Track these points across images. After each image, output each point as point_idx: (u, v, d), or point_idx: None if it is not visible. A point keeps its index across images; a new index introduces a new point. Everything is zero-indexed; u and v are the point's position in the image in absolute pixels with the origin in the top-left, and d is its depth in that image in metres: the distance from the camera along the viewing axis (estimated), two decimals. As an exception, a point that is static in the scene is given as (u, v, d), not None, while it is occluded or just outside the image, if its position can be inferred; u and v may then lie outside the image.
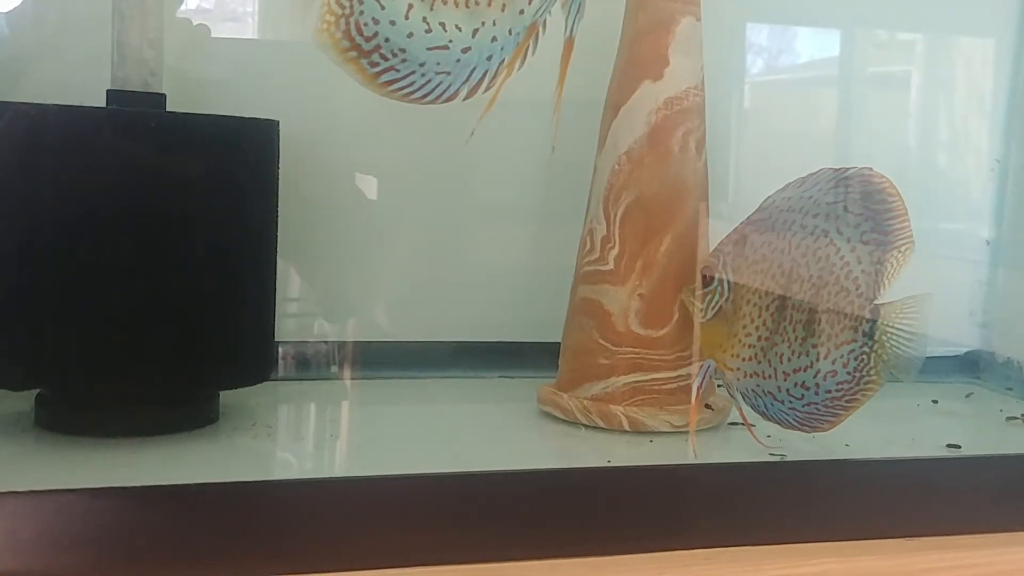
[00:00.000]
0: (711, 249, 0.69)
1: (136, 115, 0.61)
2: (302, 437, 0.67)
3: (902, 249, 0.63)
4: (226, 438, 0.64)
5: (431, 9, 0.53)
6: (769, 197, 0.66)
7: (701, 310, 0.67)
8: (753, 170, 0.87)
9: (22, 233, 0.59)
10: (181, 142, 0.60)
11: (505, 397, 0.79)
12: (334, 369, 0.80)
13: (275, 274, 0.67)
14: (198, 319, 0.62)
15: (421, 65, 0.54)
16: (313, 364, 0.79)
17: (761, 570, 0.53)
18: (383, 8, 0.52)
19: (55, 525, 0.46)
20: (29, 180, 0.58)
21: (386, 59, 0.53)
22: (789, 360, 0.64)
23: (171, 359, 0.61)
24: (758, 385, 0.65)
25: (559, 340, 0.74)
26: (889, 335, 0.64)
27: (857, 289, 0.64)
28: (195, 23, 0.74)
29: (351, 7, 0.52)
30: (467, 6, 0.54)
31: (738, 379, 0.66)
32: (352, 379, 0.80)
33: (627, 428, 0.69)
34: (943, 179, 0.94)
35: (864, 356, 0.64)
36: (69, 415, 0.62)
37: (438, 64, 0.54)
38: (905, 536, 0.57)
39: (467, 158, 0.80)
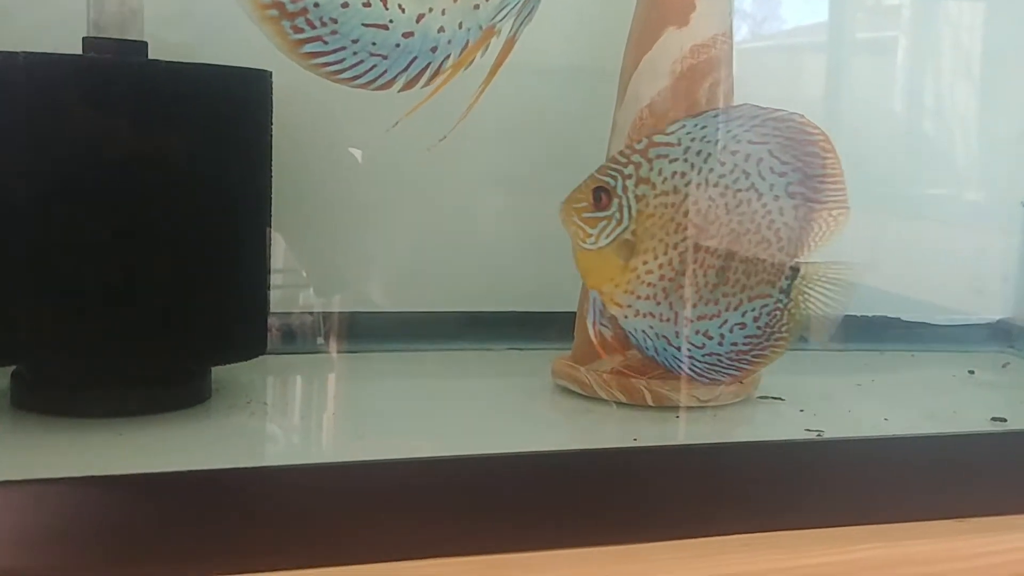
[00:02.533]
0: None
1: (115, 64, 0.56)
2: (302, 415, 0.62)
3: (834, 213, 0.60)
4: (221, 418, 0.59)
5: None
6: (679, 120, 0.60)
7: (591, 235, 0.61)
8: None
9: (-8, 196, 0.54)
10: (166, 94, 0.55)
11: (517, 371, 0.75)
12: (331, 342, 0.75)
13: (270, 240, 0.62)
14: (188, 289, 0.57)
15: (354, 42, 0.48)
16: (308, 337, 0.74)
17: (803, 557, 0.50)
18: None
19: (35, 518, 0.41)
20: (-2, 137, 0.53)
21: (313, 27, 0.47)
22: (694, 306, 0.61)
23: (159, 333, 0.56)
24: (651, 327, 0.61)
25: (573, 310, 0.70)
26: (807, 296, 0.61)
27: (779, 242, 0.60)
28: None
29: None
30: None
31: (626, 316, 0.61)
32: (351, 352, 0.75)
33: (651, 403, 0.64)
34: (969, 145, 0.90)
35: (777, 313, 0.60)
36: (49, 395, 0.57)
37: (373, 44, 0.48)
38: (953, 517, 0.53)
39: (478, 122, 0.75)
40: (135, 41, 0.59)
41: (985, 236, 0.89)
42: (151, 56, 0.59)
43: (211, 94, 0.57)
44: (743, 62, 0.83)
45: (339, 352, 0.75)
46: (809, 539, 0.50)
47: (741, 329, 0.61)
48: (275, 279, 0.71)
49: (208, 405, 0.60)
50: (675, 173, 0.60)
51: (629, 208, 0.60)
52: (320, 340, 0.74)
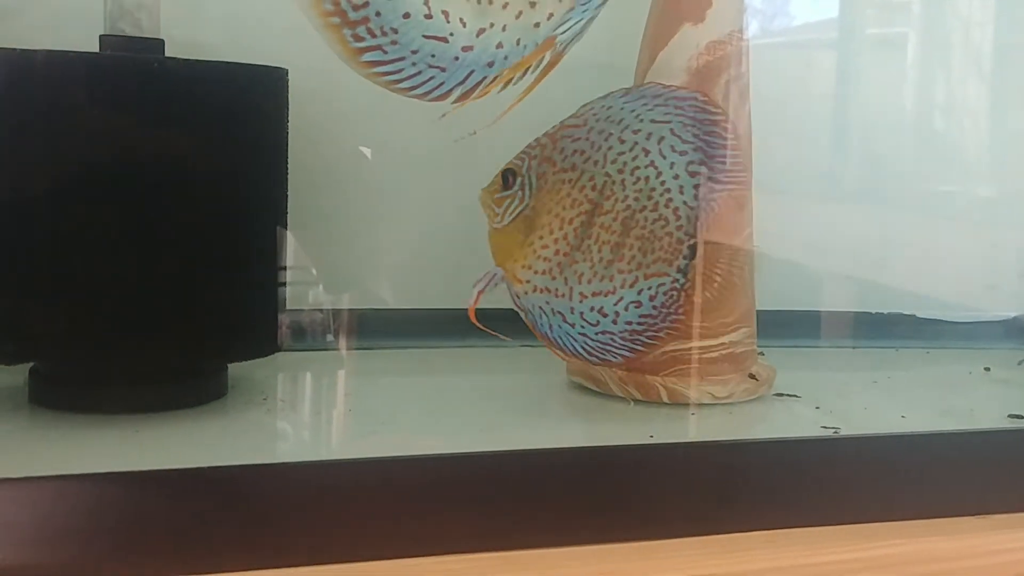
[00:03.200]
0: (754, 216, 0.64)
1: (133, 61, 0.56)
2: (317, 412, 0.62)
3: (735, 193, 0.60)
4: (236, 414, 0.59)
5: None
6: (588, 103, 0.60)
7: (498, 214, 0.61)
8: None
9: (10, 192, 0.54)
10: (183, 92, 0.55)
11: (530, 367, 0.74)
12: (342, 339, 0.75)
13: (286, 237, 0.62)
14: (205, 285, 0.57)
15: (413, 52, 0.48)
16: (318, 334, 0.74)
17: (824, 554, 0.49)
18: None
19: (54, 515, 0.41)
20: (16, 135, 0.53)
21: (373, 35, 0.47)
22: (589, 282, 0.60)
23: (176, 329, 0.56)
24: (547, 302, 0.61)
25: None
26: (705, 277, 0.60)
27: (677, 221, 0.59)
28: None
29: None
30: (477, 1, 0.48)
31: (526, 292, 0.61)
32: (363, 349, 0.75)
33: (666, 400, 0.64)
34: (981, 141, 0.90)
35: (674, 293, 0.60)
36: (67, 391, 0.57)
37: (432, 56, 0.48)
38: (974, 514, 0.53)
39: (491, 119, 0.75)
40: (151, 39, 0.59)
41: (1000, 232, 0.88)
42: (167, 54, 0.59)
43: (228, 92, 0.57)
44: (754, 59, 0.83)
45: (350, 349, 0.75)
46: (830, 535, 0.50)
47: (636, 308, 0.60)
48: (285, 276, 0.71)
49: (224, 402, 0.61)
50: (575, 151, 0.60)
51: (530, 185, 0.60)
52: (330, 337, 0.74)
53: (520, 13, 0.49)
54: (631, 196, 0.59)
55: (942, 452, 0.58)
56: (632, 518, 0.50)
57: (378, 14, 0.47)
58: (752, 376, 0.66)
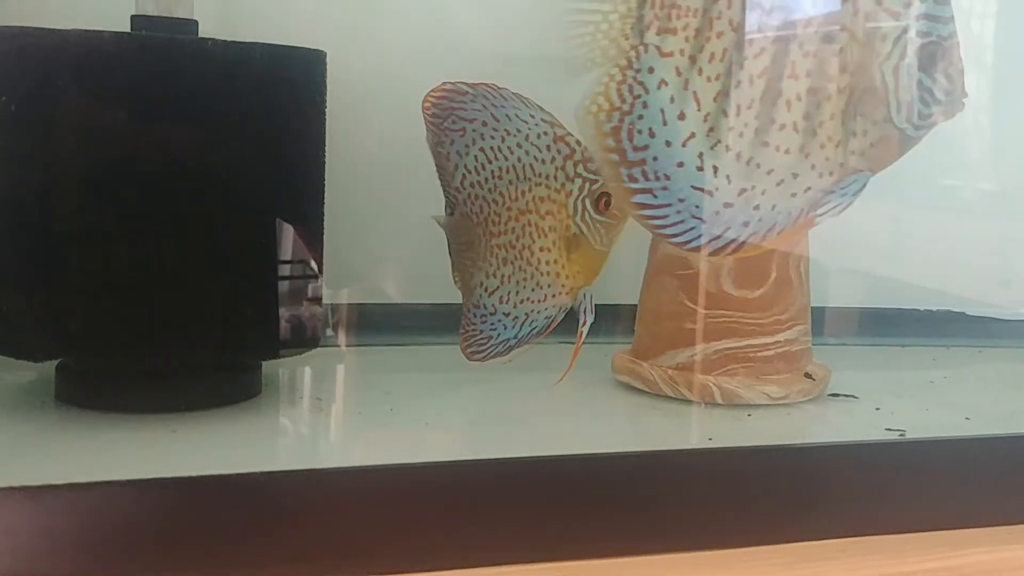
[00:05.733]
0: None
1: (167, 42, 0.53)
2: (358, 411, 0.60)
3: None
4: (273, 414, 0.56)
5: (711, 148, 0.49)
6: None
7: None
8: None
9: (39, 181, 0.51)
10: (221, 73, 0.52)
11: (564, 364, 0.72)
12: (381, 334, 0.72)
13: (323, 228, 0.59)
14: (241, 279, 0.54)
15: (680, 200, 0.50)
16: (358, 329, 0.71)
17: (904, 563, 0.47)
18: (665, 124, 0.49)
19: (96, 522, 0.38)
20: (48, 119, 0.50)
21: (647, 179, 0.50)
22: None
23: (210, 325, 0.53)
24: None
25: (633, 302, 0.67)
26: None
27: None
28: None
29: (632, 106, 0.49)
30: (747, 164, 0.50)
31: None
32: (402, 345, 0.72)
33: (720, 401, 0.61)
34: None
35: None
36: (95, 389, 0.55)
37: (696, 207, 0.50)
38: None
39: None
40: (185, 20, 0.56)
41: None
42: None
43: (266, 74, 0.54)
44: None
45: (384, 345, 0.72)
46: (909, 544, 0.47)
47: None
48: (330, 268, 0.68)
49: (259, 400, 0.58)
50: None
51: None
52: (362, 334, 0.72)
53: (782, 182, 0.50)
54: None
55: (1014, 454, 0.55)
56: (696, 526, 0.48)
57: (655, 159, 0.49)
58: (808, 376, 0.64)
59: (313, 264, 0.58)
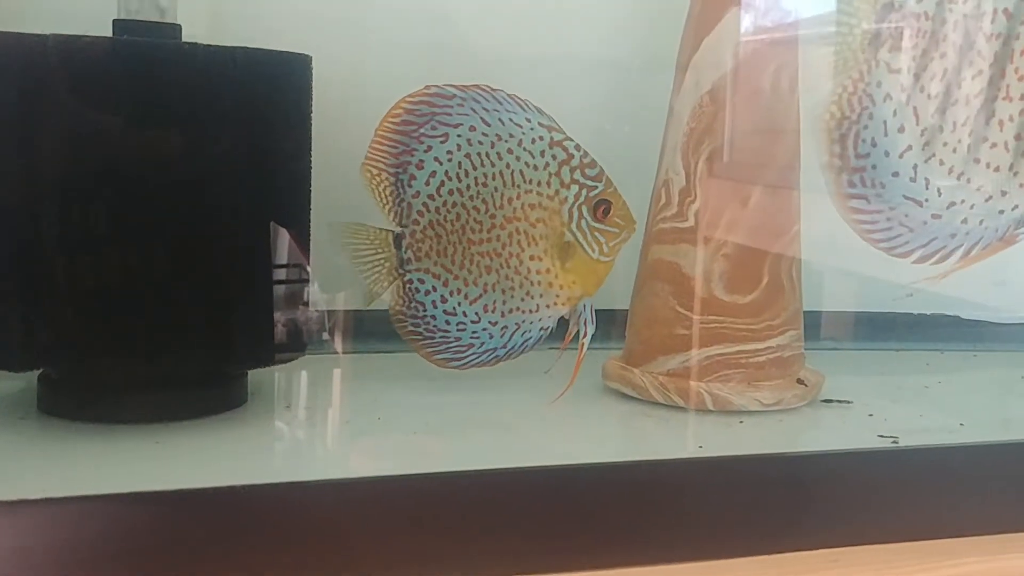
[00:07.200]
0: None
1: (149, 46, 0.52)
2: (345, 420, 0.59)
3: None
4: (258, 424, 0.55)
5: (925, 161, 0.53)
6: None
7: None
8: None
9: (19, 189, 0.50)
10: (204, 78, 0.51)
11: (562, 372, 0.71)
12: (365, 342, 0.71)
13: (309, 233, 0.58)
14: (225, 286, 0.53)
15: (891, 208, 0.53)
16: (345, 335, 0.70)
17: (898, 573, 0.47)
18: (886, 136, 0.52)
19: (75, 538, 0.37)
20: (27, 125, 0.50)
21: (864, 185, 0.53)
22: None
23: (195, 333, 0.53)
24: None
25: (623, 308, 0.66)
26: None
27: None
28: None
29: (859, 117, 0.52)
30: (957, 178, 0.53)
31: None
32: (386, 352, 0.72)
33: (711, 407, 0.61)
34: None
35: None
36: (77, 399, 0.54)
37: (906, 216, 0.53)
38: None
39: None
40: (168, 23, 0.55)
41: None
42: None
43: (250, 79, 0.53)
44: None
45: (371, 352, 0.71)
46: (900, 553, 0.47)
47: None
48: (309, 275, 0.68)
49: (245, 409, 0.57)
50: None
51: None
52: (347, 341, 0.71)
53: (990, 198, 0.53)
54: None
55: (1008, 462, 0.54)
56: (684, 536, 0.47)
57: (874, 167, 0.53)
58: (800, 382, 0.63)
59: (299, 271, 0.58)
